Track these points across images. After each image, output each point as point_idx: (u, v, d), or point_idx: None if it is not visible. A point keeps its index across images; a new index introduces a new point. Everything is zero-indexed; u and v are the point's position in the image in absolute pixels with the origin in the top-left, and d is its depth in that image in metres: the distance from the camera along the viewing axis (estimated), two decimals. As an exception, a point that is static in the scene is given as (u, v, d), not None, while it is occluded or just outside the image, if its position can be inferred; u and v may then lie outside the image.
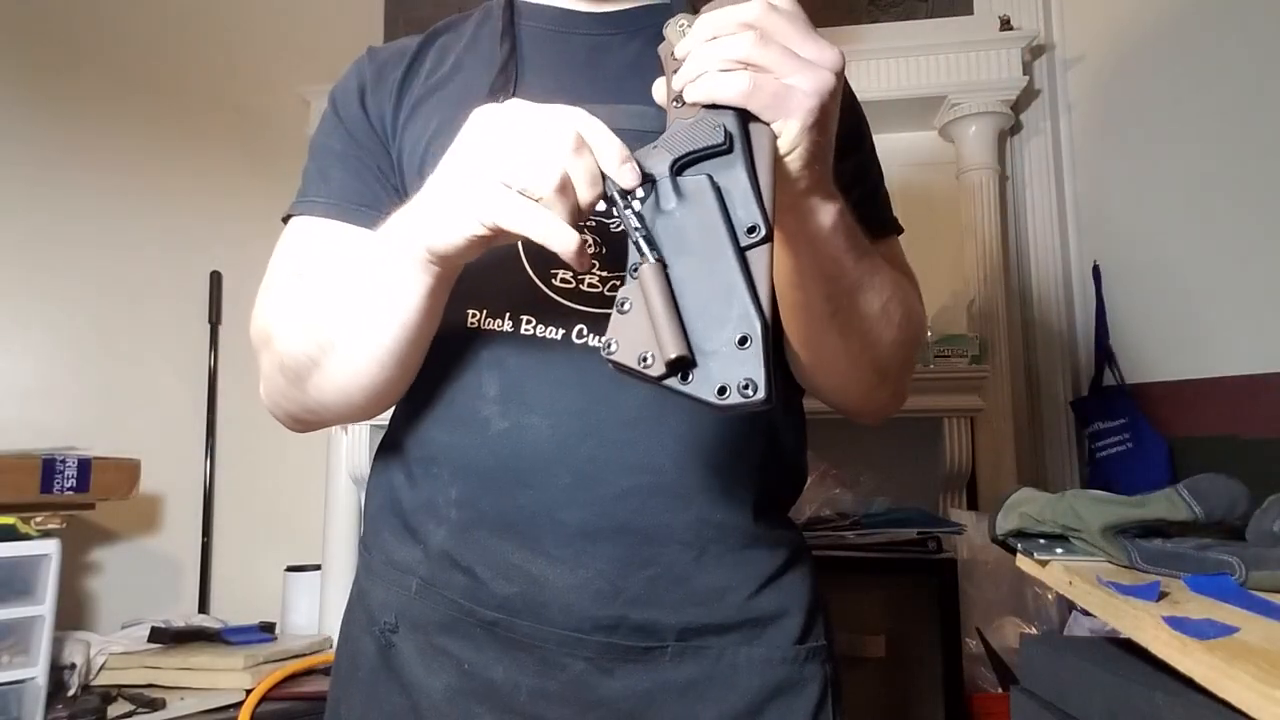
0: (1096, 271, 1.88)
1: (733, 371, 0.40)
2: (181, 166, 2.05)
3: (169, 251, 2.02)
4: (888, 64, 1.93)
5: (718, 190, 0.45)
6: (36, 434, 1.64)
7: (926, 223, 2.01)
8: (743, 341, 0.40)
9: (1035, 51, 2.03)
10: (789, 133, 0.49)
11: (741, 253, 0.43)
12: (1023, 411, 1.94)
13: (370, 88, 0.75)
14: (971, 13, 2.08)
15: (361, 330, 0.62)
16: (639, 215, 0.46)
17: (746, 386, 0.39)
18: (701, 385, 0.40)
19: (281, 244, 0.74)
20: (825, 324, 0.62)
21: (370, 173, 0.73)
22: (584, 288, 0.67)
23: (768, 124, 0.48)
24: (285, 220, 0.75)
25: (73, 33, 1.97)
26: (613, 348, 0.43)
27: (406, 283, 0.58)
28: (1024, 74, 1.93)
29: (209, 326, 2.05)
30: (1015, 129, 2.05)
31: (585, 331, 0.66)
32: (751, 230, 0.43)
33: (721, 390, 0.40)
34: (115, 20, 2.02)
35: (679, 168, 0.47)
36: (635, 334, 0.42)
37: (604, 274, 0.68)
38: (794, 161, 0.50)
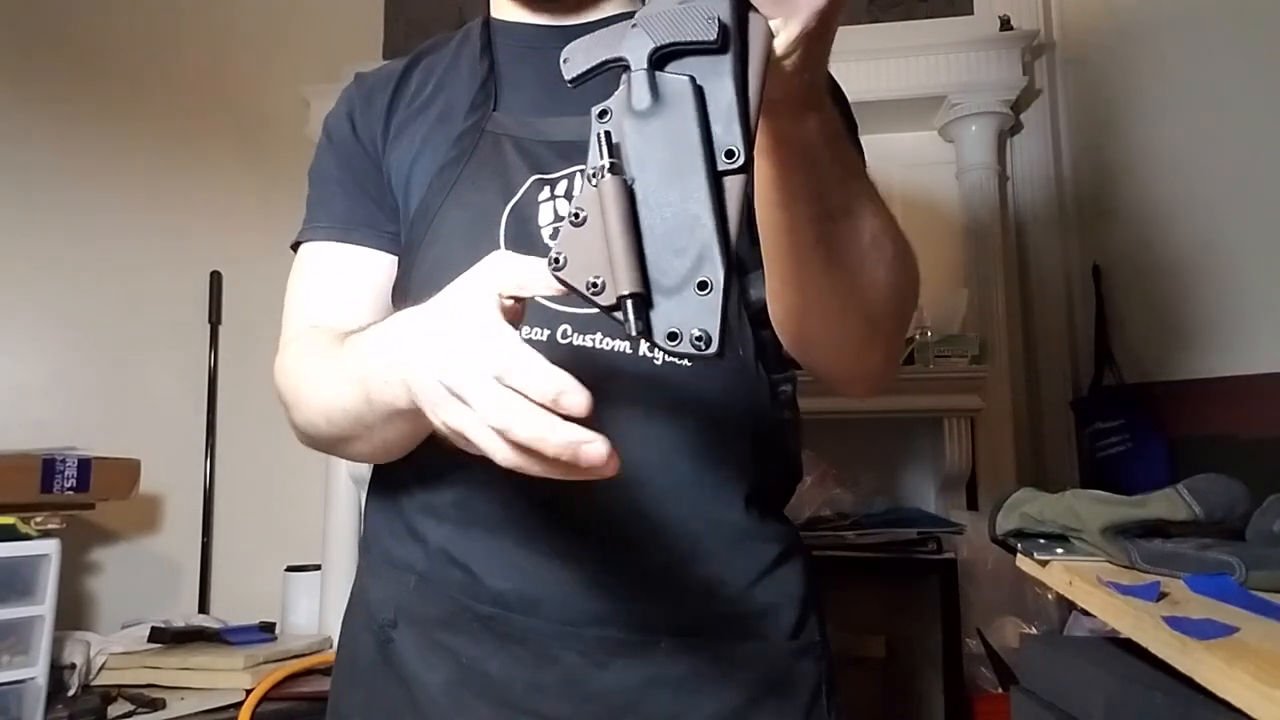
0: (1096, 271, 1.88)
1: (688, 317, 0.37)
2: (181, 166, 2.05)
3: (169, 251, 2.02)
4: (888, 64, 1.93)
5: (701, 99, 0.39)
6: (36, 434, 1.64)
7: (926, 223, 2.01)
8: (702, 286, 0.37)
9: (1035, 51, 2.03)
10: (788, 34, 0.43)
11: (716, 178, 0.38)
12: (1023, 411, 1.94)
13: (359, 113, 0.78)
14: (971, 13, 2.08)
15: (375, 436, 0.63)
16: (603, 112, 0.42)
17: (700, 338, 0.37)
18: (652, 325, 0.38)
19: (294, 274, 0.77)
20: (811, 253, 0.58)
21: (368, 195, 0.76)
22: None
23: (766, 19, 0.42)
24: (294, 248, 0.79)
25: (72, 33, 1.97)
26: (560, 262, 0.40)
27: (405, 415, 0.55)
28: (1024, 74, 1.93)
29: (209, 326, 2.05)
30: (1015, 129, 2.05)
31: (570, 332, 0.67)
32: (730, 155, 0.39)
33: (672, 335, 0.37)
34: (114, 20, 2.02)
35: (659, 58, 0.41)
36: (587, 253, 0.39)
37: None
38: (788, 65, 0.45)
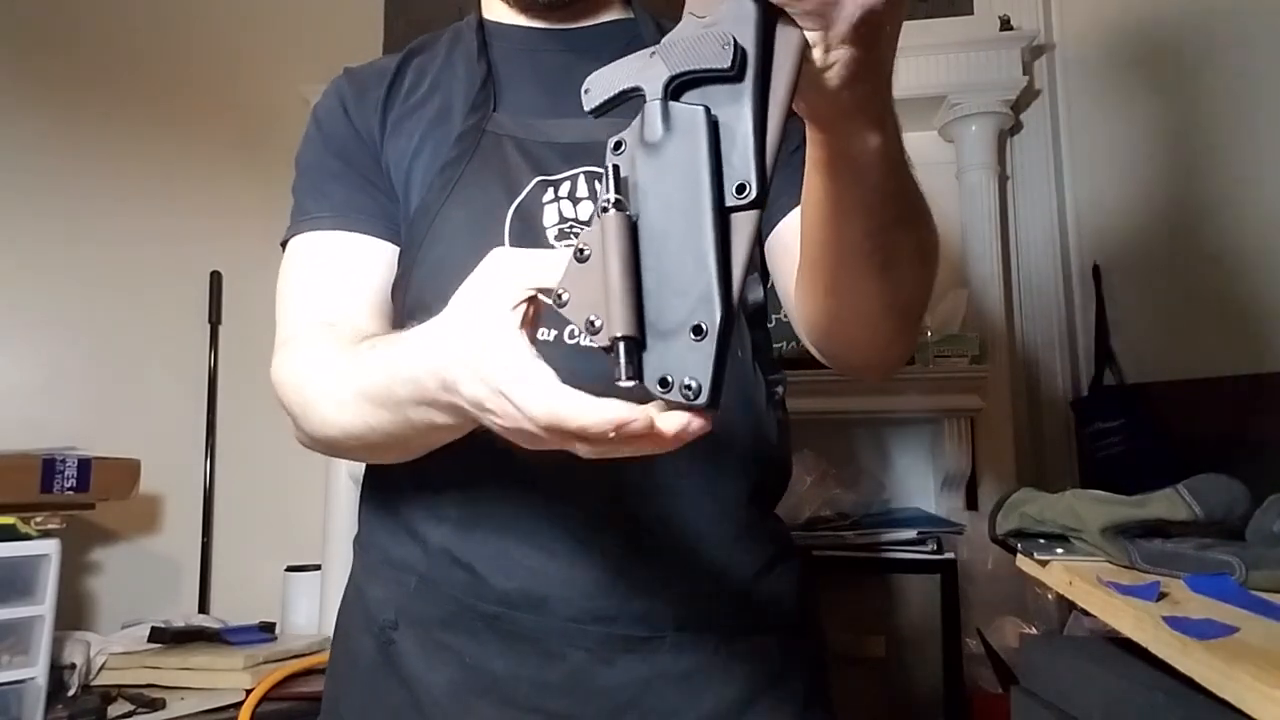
0: (1096, 271, 1.88)
1: (680, 364, 0.36)
2: (181, 166, 2.05)
3: (169, 251, 2.02)
4: (888, 64, 1.93)
5: (714, 129, 0.37)
6: (36, 434, 1.64)
7: (926, 223, 2.01)
8: (697, 331, 0.35)
9: (1035, 51, 2.02)
10: (827, 45, 0.40)
11: (723, 215, 0.36)
12: (1023, 411, 1.94)
13: (353, 105, 0.76)
14: (971, 13, 2.08)
15: (411, 445, 0.60)
16: (618, 144, 0.40)
17: (689, 387, 0.35)
18: (644, 369, 0.36)
19: (289, 267, 0.73)
20: (861, 264, 0.56)
21: (370, 184, 0.74)
22: None
23: (800, 29, 0.39)
24: (284, 245, 0.75)
25: (73, 33, 1.97)
26: (564, 298, 0.39)
27: (452, 428, 0.53)
28: (1024, 74, 1.93)
29: (209, 326, 2.05)
30: (1015, 129, 2.04)
31: (577, 332, 0.67)
32: (741, 190, 0.36)
33: (664, 382, 0.36)
34: (115, 20, 2.02)
35: (675, 88, 0.39)
36: (588, 290, 0.38)
37: None
38: (832, 79, 0.42)
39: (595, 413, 0.38)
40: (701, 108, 0.38)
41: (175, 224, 2.03)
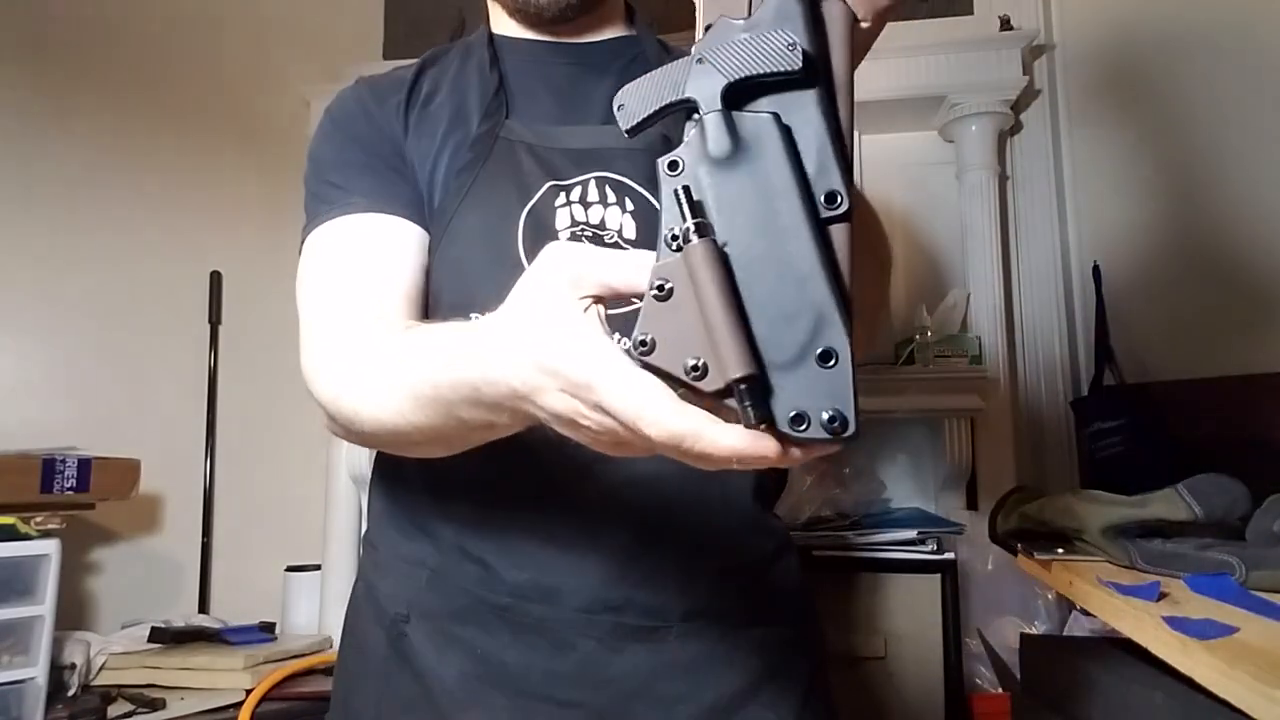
0: (1096, 271, 1.88)
1: (813, 396, 0.32)
2: (181, 166, 2.05)
3: (169, 251, 2.02)
4: (888, 64, 1.93)
5: (789, 138, 0.34)
6: (36, 434, 1.64)
7: (926, 223, 2.01)
8: (825, 357, 0.32)
9: (1035, 51, 2.02)
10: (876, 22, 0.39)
11: (820, 230, 0.33)
12: (1023, 411, 1.94)
13: (373, 108, 0.77)
14: (971, 13, 2.08)
15: (455, 443, 0.57)
16: (673, 164, 0.35)
17: (833, 420, 0.31)
18: (773, 410, 0.32)
19: (317, 254, 0.70)
20: None
21: (396, 173, 0.74)
22: None
23: (845, 5, 0.36)
24: (304, 238, 0.73)
25: (72, 32, 1.97)
26: (648, 344, 0.34)
27: (508, 427, 0.50)
28: (1024, 74, 1.93)
29: (209, 326, 2.05)
30: (1015, 129, 2.04)
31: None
32: (831, 200, 0.33)
33: (798, 419, 0.32)
34: (115, 20, 2.02)
35: (732, 97, 0.35)
36: (680, 331, 0.33)
37: None
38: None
39: (725, 441, 0.33)
40: (769, 115, 0.34)
41: (175, 224, 2.03)
